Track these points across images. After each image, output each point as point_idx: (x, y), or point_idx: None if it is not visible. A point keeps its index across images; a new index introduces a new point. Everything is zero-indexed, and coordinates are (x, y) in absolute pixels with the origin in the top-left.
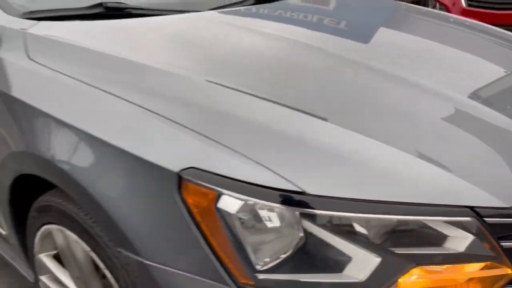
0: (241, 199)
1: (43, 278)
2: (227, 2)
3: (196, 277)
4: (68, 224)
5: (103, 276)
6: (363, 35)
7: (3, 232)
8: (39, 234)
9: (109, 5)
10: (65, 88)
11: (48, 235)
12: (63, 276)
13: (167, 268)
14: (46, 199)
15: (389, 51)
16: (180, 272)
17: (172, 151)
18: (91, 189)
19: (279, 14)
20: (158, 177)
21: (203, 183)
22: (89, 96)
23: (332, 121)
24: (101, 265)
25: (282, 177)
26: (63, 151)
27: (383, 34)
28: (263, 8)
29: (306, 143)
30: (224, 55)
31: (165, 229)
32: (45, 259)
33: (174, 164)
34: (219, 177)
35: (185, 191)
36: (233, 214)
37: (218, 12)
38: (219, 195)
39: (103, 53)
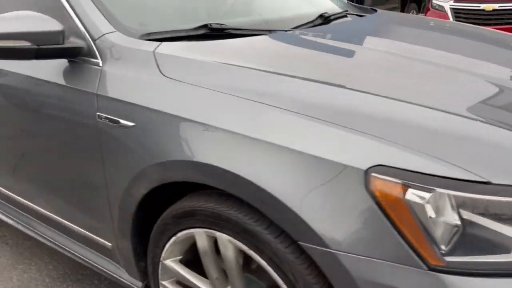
0: (428, 190)
1: (166, 283)
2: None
3: (389, 262)
4: (221, 226)
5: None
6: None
7: (108, 245)
8: (172, 240)
9: (213, 26)
10: (218, 99)
11: (183, 240)
12: (194, 278)
13: (358, 256)
14: (187, 204)
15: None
16: (372, 259)
17: (354, 152)
18: (269, 188)
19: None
20: (343, 174)
21: (391, 179)
22: (251, 107)
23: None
24: (262, 262)
25: (464, 169)
26: (233, 157)
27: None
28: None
29: (479, 139)
30: (358, 66)
31: (353, 221)
32: (173, 264)
33: (360, 162)
34: (406, 171)
35: (373, 186)
36: (421, 203)
37: (301, 30)
38: (407, 188)
39: (240, 67)
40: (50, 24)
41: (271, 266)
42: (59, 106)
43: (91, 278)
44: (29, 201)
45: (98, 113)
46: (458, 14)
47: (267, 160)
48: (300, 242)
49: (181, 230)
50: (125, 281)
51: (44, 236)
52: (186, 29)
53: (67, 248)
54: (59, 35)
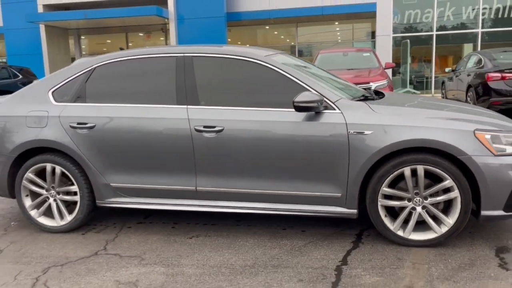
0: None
1: (380, 202)
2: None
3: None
4: (423, 162)
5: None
6: None
7: (338, 195)
8: (389, 178)
9: (367, 94)
10: None
11: (392, 177)
12: (397, 192)
13: (470, 155)
14: (398, 160)
15: None
16: (472, 155)
17: (467, 126)
18: (448, 143)
19: None
20: (467, 132)
21: (479, 132)
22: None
23: None
24: (445, 175)
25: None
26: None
27: None
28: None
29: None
30: None
31: (470, 143)
32: (386, 188)
33: (470, 128)
34: (482, 129)
35: (476, 134)
36: (487, 138)
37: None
38: (477, 131)
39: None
40: (309, 96)
41: (447, 171)
42: (311, 136)
43: (295, 230)
44: (271, 190)
45: (349, 131)
46: None
47: (447, 134)
48: (458, 157)
49: (393, 172)
50: (345, 214)
51: (277, 209)
52: (363, 96)
53: (288, 210)
54: (320, 101)
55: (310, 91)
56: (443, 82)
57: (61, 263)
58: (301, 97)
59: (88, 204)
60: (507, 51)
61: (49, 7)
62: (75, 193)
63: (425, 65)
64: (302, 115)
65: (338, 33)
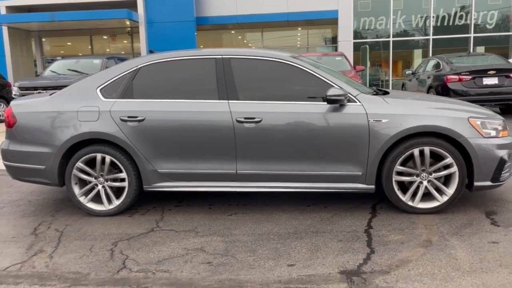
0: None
1: (394, 178)
2: None
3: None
4: (428, 144)
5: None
6: None
7: (358, 174)
8: (402, 158)
9: (377, 91)
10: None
11: (404, 156)
12: (402, 168)
13: (466, 138)
14: (412, 142)
15: None
16: (466, 138)
17: (462, 114)
18: (448, 128)
19: None
20: (462, 119)
21: (472, 120)
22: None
23: None
24: (446, 154)
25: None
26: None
27: None
28: None
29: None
30: None
31: (466, 128)
32: (399, 166)
33: (465, 116)
34: (471, 117)
35: (470, 120)
36: (478, 124)
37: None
38: (471, 119)
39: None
40: (339, 91)
41: (447, 151)
42: (337, 124)
43: (320, 207)
44: (302, 171)
45: (369, 119)
46: None
47: (448, 121)
48: (458, 139)
49: (405, 153)
50: (364, 189)
51: (307, 187)
52: (375, 91)
53: (316, 188)
54: (345, 95)
55: (335, 87)
56: (403, 84)
57: (126, 238)
58: (332, 92)
59: (135, 189)
60: (461, 56)
61: (11, 9)
62: (122, 180)
63: (382, 68)
64: (328, 106)
65: (302, 39)
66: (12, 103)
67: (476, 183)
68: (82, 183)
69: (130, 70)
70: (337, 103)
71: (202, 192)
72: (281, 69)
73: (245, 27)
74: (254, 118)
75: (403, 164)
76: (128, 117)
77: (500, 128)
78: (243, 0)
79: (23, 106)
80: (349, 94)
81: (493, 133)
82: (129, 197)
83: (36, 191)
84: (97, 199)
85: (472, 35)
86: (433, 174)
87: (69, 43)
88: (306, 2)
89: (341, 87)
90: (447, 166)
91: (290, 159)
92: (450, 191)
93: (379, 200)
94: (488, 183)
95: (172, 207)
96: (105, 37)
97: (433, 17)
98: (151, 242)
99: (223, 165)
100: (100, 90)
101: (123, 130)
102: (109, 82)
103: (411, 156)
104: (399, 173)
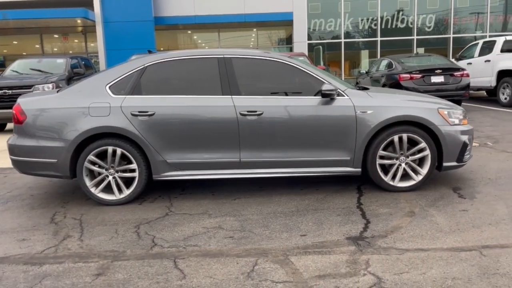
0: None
1: (378, 162)
2: None
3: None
4: (406, 131)
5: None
6: None
7: (347, 158)
8: (384, 144)
9: (360, 86)
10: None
11: (386, 142)
12: (384, 153)
13: (438, 125)
14: (393, 129)
15: None
16: (438, 126)
17: (432, 105)
18: (423, 118)
19: None
20: (433, 109)
21: (441, 110)
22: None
23: None
24: (421, 140)
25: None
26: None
27: None
28: None
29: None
30: None
31: (436, 118)
32: (381, 151)
33: (434, 107)
34: (440, 108)
35: (439, 111)
36: (445, 113)
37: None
38: (440, 110)
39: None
40: (331, 86)
41: (421, 137)
42: (329, 116)
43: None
44: (299, 158)
45: (357, 111)
46: None
47: (422, 111)
48: (430, 127)
49: (386, 139)
50: (353, 172)
51: (302, 172)
52: (357, 87)
53: (311, 172)
54: (336, 90)
55: (327, 83)
56: (357, 83)
57: (146, 222)
58: (326, 87)
59: (145, 179)
60: (410, 56)
61: None
62: (131, 171)
63: (333, 68)
64: (321, 100)
65: (257, 39)
66: (19, 100)
67: (444, 164)
68: (92, 174)
69: (137, 69)
70: (329, 97)
71: (202, 181)
72: (278, 67)
73: (202, 28)
74: (256, 111)
75: (384, 149)
76: (139, 112)
77: (461, 117)
78: (201, 1)
79: (32, 103)
80: (338, 89)
81: (457, 121)
82: (139, 187)
83: (34, 186)
84: (106, 189)
85: (415, 37)
86: (410, 157)
87: (15, 42)
88: (262, 3)
89: (331, 83)
90: (421, 150)
91: (288, 147)
92: (424, 171)
93: (362, 182)
94: (454, 163)
95: (177, 195)
96: (56, 36)
97: (380, 19)
98: (171, 224)
99: (228, 154)
100: (109, 87)
101: (134, 124)
102: (117, 79)
103: (391, 142)
104: (381, 157)
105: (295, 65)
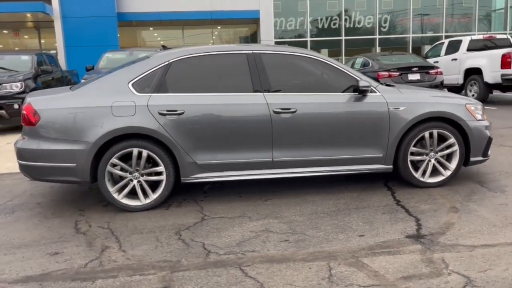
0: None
1: (409, 158)
2: None
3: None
4: (437, 127)
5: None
6: None
7: (380, 156)
8: (416, 139)
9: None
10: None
11: (418, 138)
12: (415, 148)
13: (465, 120)
14: (425, 125)
15: None
16: (466, 120)
17: (459, 101)
18: (454, 114)
19: None
20: (460, 104)
21: (468, 105)
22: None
23: None
24: (450, 135)
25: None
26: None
27: None
28: None
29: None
30: None
31: (461, 111)
32: (412, 147)
33: (462, 102)
34: (466, 104)
35: (466, 106)
36: (472, 108)
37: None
38: (467, 105)
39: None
40: (366, 83)
41: (450, 132)
42: (362, 112)
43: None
44: (332, 156)
45: (389, 107)
46: None
47: (451, 107)
48: (459, 122)
49: (418, 136)
50: (384, 169)
51: (336, 170)
52: (386, 84)
53: (344, 170)
54: (370, 86)
55: (362, 79)
56: None
57: (184, 228)
58: (363, 83)
59: (172, 182)
60: (385, 54)
61: None
62: (157, 174)
63: None
64: (354, 96)
65: (222, 37)
66: (29, 99)
67: (472, 159)
68: (113, 179)
69: (162, 65)
70: (365, 93)
71: (223, 183)
72: (309, 63)
73: (167, 24)
74: (290, 109)
75: (415, 145)
76: (167, 110)
77: (482, 112)
78: None
79: (46, 102)
80: (371, 86)
81: (480, 116)
82: (166, 190)
83: (35, 193)
84: (129, 194)
85: (377, 36)
86: (439, 153)
87: None
88: (228, 1)
89: (365, 80)
90: (449, 146)
91: (322, 145)
92: (453, 166)
93: (386, 179)
94: (480, 158)
95: (203, 198)
96: (5, 31)
97: (345, 19)
98: (213, 229)
99: (260, 153)
100: (132, 84)
101: (162, 124)
102: (140, 76)
103: (422, 138)
104: (412, 153)
105: (326, 61)
